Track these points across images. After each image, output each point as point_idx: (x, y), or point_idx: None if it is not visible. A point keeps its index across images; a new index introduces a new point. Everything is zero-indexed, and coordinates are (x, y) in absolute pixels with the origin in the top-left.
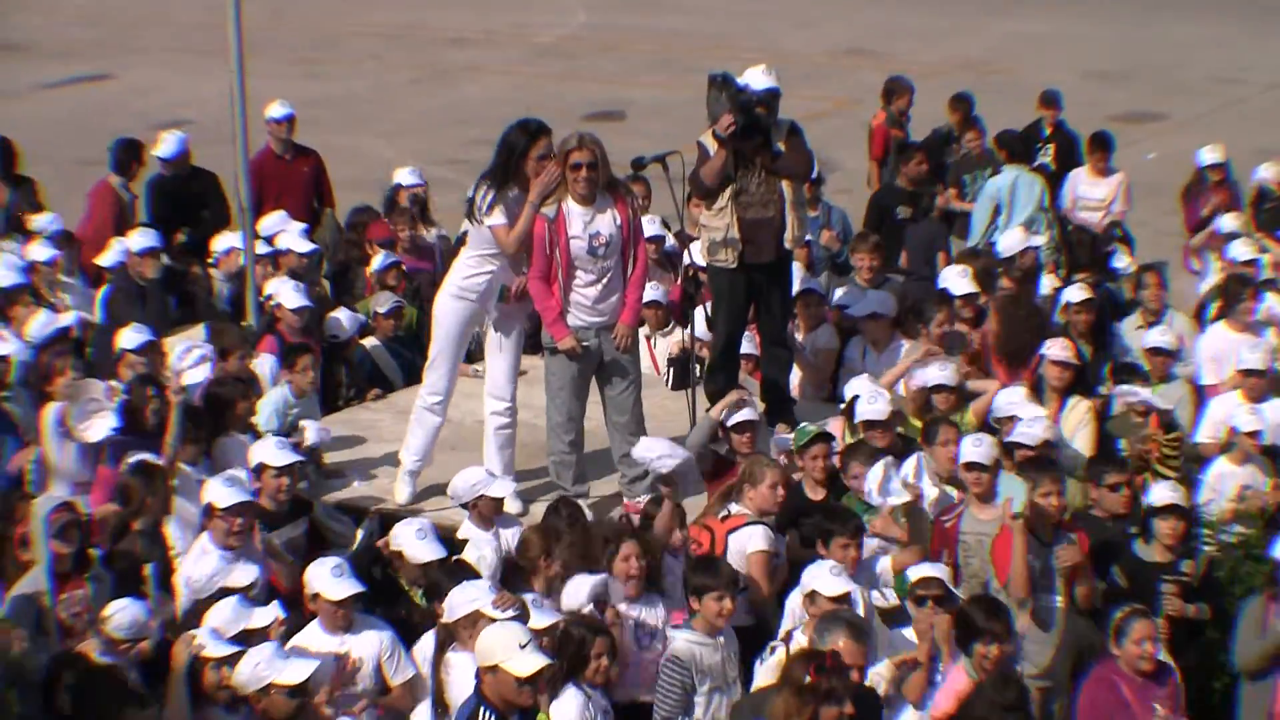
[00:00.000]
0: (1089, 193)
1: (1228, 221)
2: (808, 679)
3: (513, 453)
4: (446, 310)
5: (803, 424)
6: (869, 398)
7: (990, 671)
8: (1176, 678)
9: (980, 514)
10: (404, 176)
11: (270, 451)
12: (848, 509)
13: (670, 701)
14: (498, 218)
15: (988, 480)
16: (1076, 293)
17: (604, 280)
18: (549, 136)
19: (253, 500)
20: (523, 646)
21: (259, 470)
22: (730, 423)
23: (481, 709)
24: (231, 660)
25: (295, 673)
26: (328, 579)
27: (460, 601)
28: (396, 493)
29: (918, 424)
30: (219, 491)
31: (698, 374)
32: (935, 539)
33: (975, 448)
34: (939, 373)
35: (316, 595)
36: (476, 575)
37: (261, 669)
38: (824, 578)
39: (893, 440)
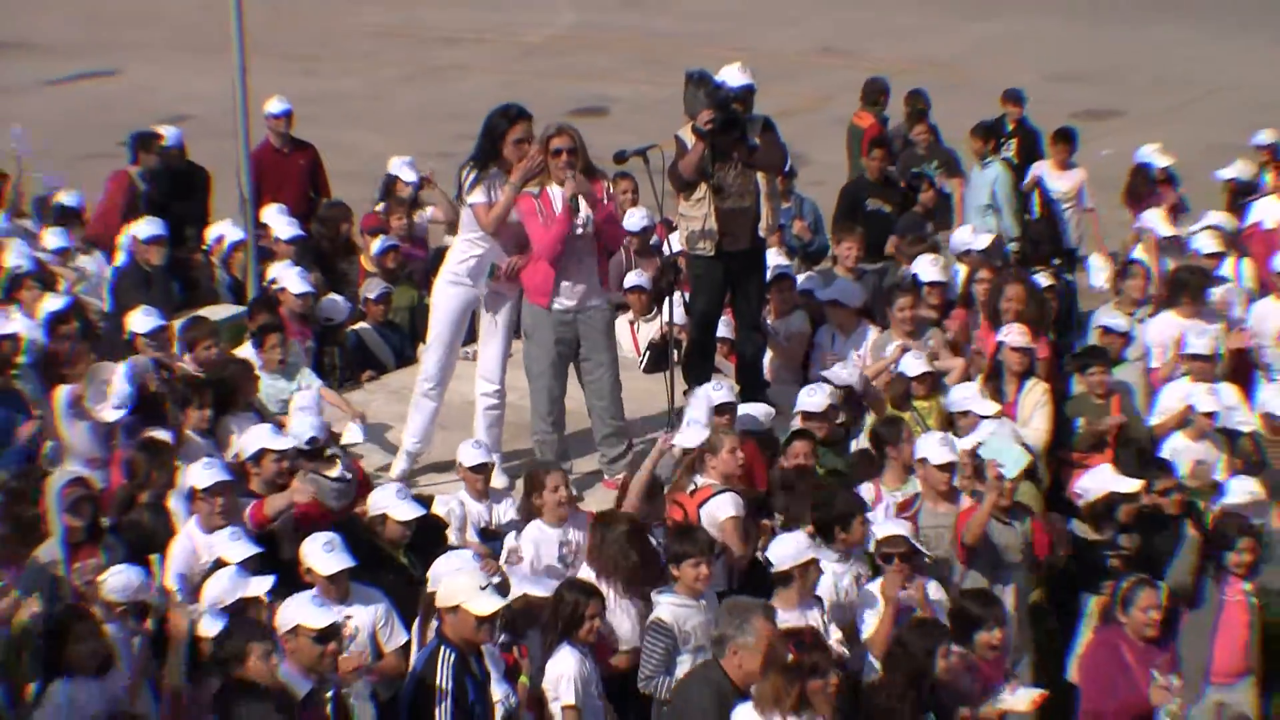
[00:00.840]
0: (1053, 185)
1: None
2: (790, 658)
3: (500, 432)
4: (442, 296)
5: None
6: (809, 390)
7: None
8: (1177, 644)
9: (937, 508)
10: (398, 167)
11: (268, 437)
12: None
13: (653, 663)
14: (478, 196)
15: (945, 479)
16: (1040, 281)
17: (580, 261)
18: (527, 121)
19: (232, 480)
20: (482, 589)
21: (259, 456)
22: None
23: (442, 648)
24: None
25: (323, 618)
26: (319, 554)
27: (445, 570)
28: (393, 468)
29: (896, 412)
30: (198, 474)
31: (675, 357)
32: None
33: (942, 448)
34: (914, 363)
35: (309, 570)
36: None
37: (291, 612)
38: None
39: (831, 430)
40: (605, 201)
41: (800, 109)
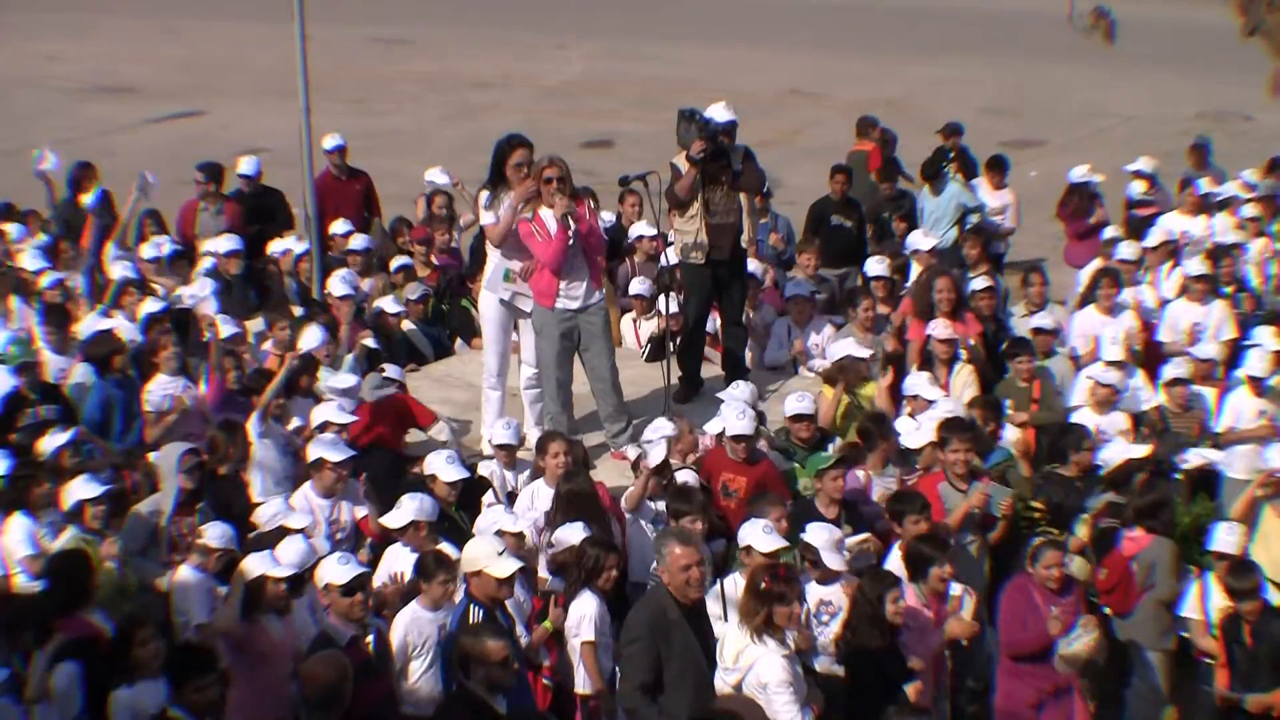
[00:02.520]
0: (989, 202)
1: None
2: (763, 585)
3: (542, 408)
4: (485, 304)
5: (820, 453)
6: (798, 395)
7: (941, 591)
8: (1077, 588)
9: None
10: (433, 174)
11: (333, 412)
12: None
13: None
14: (488, 217)
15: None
16: (980, 281)
17: (575, 268)
18: (526, 147)
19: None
20: (500, 554)
21: (322, 428)
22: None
23: (471, 605)
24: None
25: (347, 574)
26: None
27: (485, 524)
28: (483, 448)
29: (828, 389)
30: (328, 450)
31: (671, 349)
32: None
33: (912, 433)
34: (856, 346)
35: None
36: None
37: (321, 571)
38: (757, 535)
39: (813, 434)
40: (587, 216)
41: (775, 141)
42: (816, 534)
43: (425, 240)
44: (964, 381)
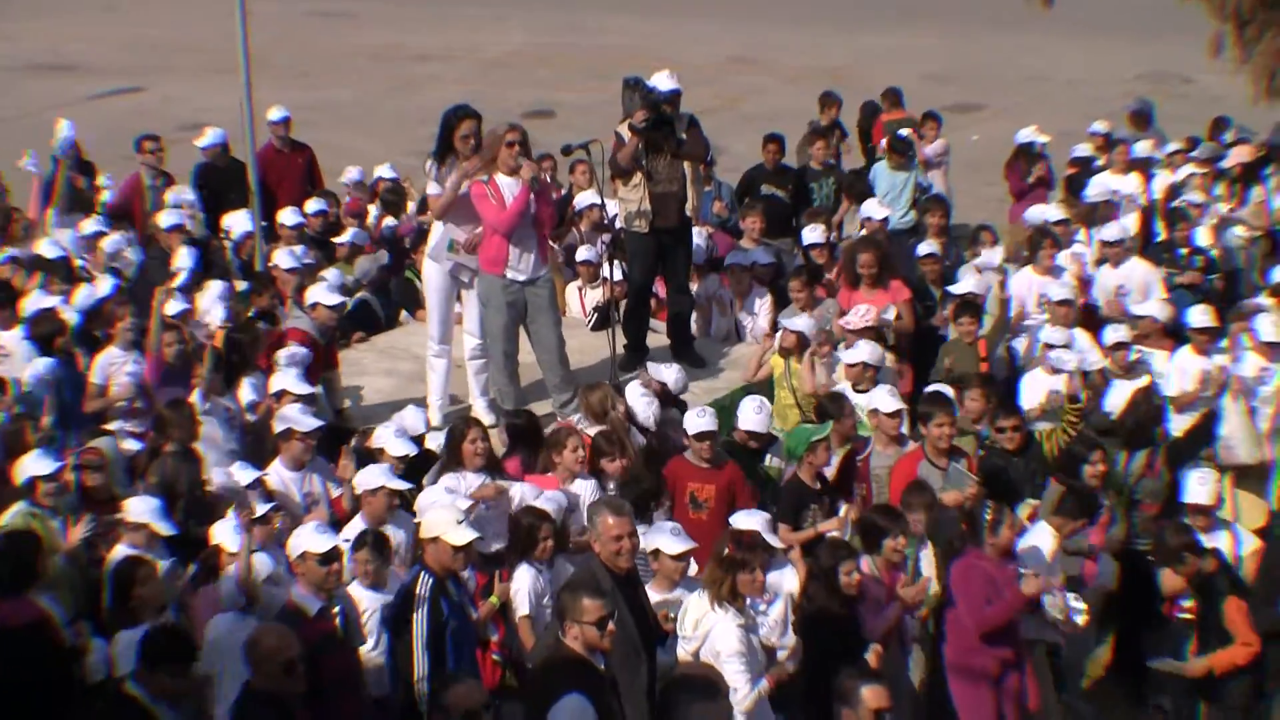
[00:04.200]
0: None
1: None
2: (726, 552)
3: (486, 378)
4: (428, 272)
5: (808, 425)
6: (755, 407)
7: (896, 563)
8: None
9: (885, 450)
10: (383, 171)
11: (291, 381)
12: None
13: None
14: (433, 188)
15: (895, 425)
16: (924, 247)
17: (527, 238)
18: (473, 118)
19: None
20: (459, 523)
21: (279, 395)
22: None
23: (422, 573)
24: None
25: (326, 543)
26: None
27: (425, 505)
28: (433, 418)
29: (778, 361)
30: (298, 418)
31: (616, 317)
32: (859, 476)
33: (891, 398)
34: (807, 323)
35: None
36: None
37: (298, 539)
38: (664, 539)
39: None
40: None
41: (717, 108)
42: (748, 519)
43: (357, 213)
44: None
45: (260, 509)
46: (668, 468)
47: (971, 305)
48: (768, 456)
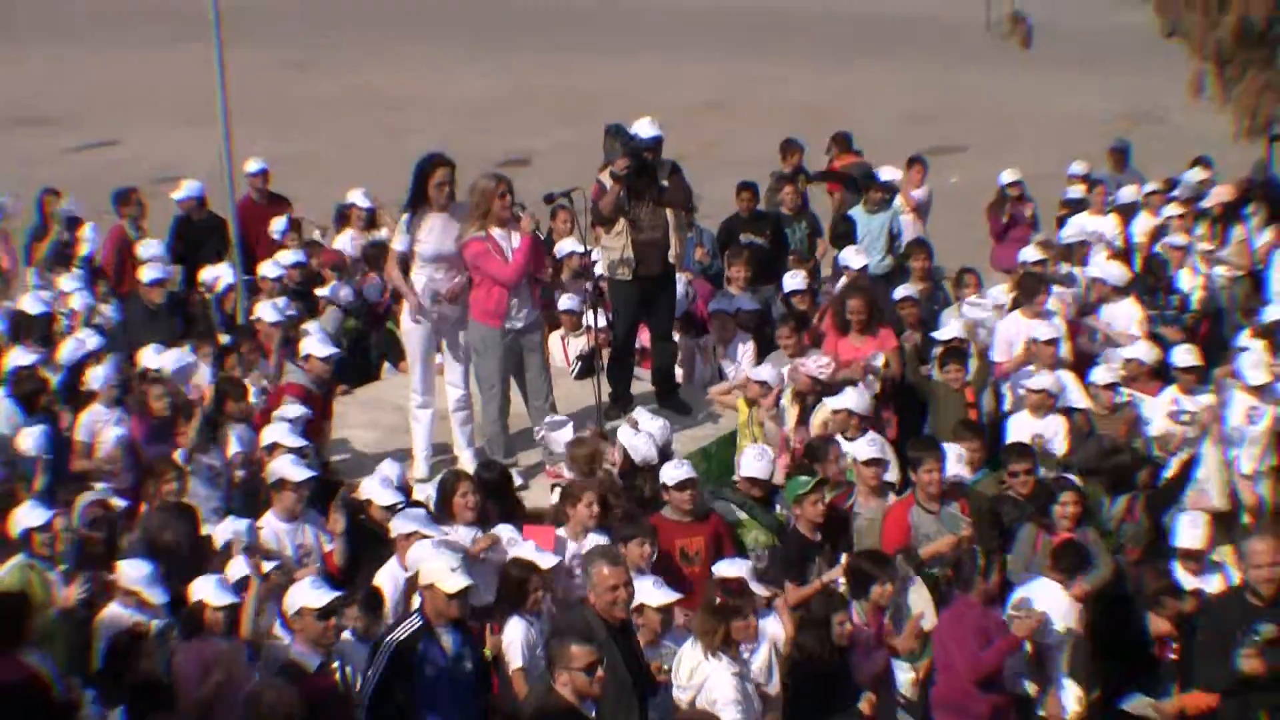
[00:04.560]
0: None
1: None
2: (718, 600)
3: (472, 428)
4: (408, 325)
5: (800, 477)
6: (757, 454)
7: (884, 607)
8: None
9: (867, 502)
10: (356, 196)
11: (282, 434)
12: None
13: None
14: (402, 241)
15: (874, 475)
16: (901, 291)
17: (521, 287)
18: (446, 165)
19: (318, 476)
20: (453, 570)
21: (271, 449)
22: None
23: (415, 616)
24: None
25: (322, 598)
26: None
27: (422, 554)
28: (417, 470)
29: (743, 408)
30: (291, 469)
31: (600, 365)
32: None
33: (870, 447)
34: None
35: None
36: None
37: (295, 596)
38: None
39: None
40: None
41: (691, 154)
42: (732, 567)
43: (337, 266)
44: (826, 420)
45: (265, 565)
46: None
47: (957, 352)
48: (776, 505)
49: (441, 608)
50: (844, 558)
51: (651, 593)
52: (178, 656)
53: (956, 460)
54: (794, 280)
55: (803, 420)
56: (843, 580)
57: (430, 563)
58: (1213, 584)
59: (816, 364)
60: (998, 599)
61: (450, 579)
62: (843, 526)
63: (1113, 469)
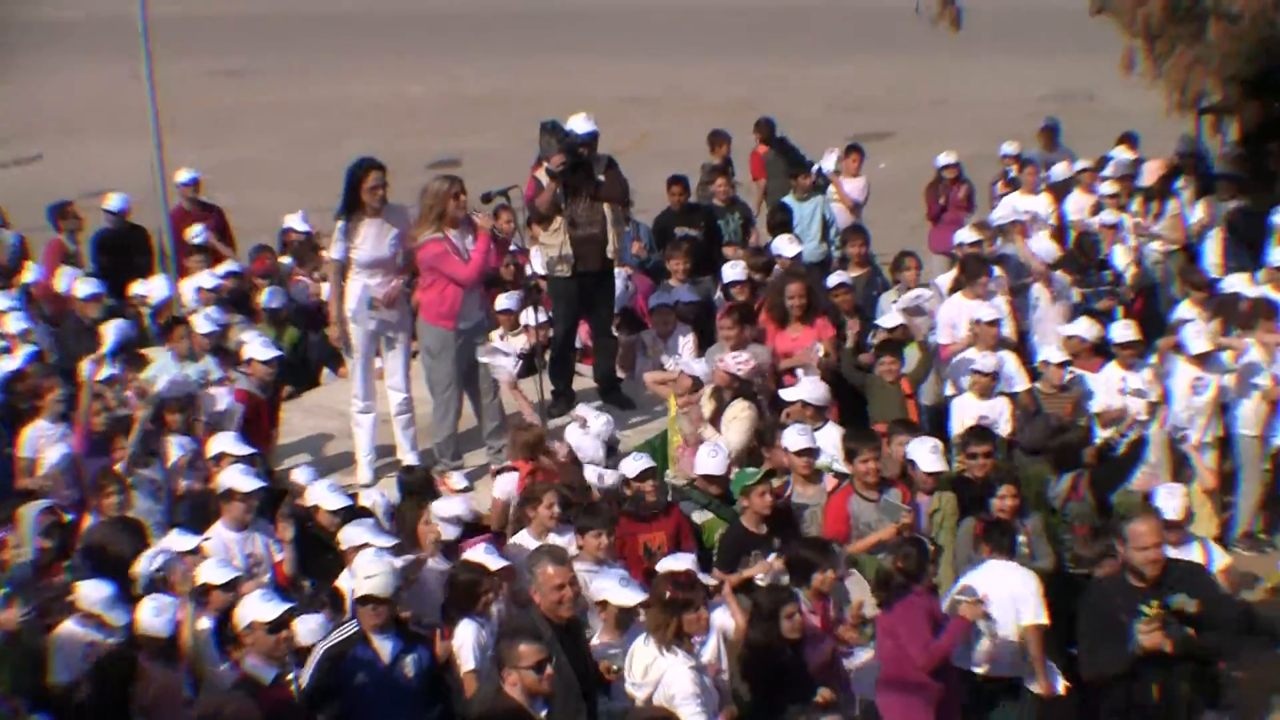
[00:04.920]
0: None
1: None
2: (668, 595)
3: (414, 432)
4: (334, 336)
5: (747, 469)
6: (710, 451)
7: (827, 594)
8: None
9: (805, 490)
10: (292, 220)
11: (229, 443)
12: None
13: None
14: (338, 249)
15: (805, 464)
16: (835, 278)
17: (474, 288)
18: (378, 169)
19: (267, 486)
20: (379, 576)
21: (219, 458)
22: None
23: (351, 624)
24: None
25: (273, 611)
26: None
27: (352, 535)
28: (360, 476)
29: (673, 403)
30: (239, 479)
31: (541, 363)
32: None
33: (800, 436)
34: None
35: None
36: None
37: (245, 610)
38: (614, 590)
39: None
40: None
41: (623, 149)
42: (678, 561)
43: (266, 274)
44: (734, 415)
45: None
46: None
47: (893, 344)
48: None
49: (370, 614)
50: (771, 557)
51: (618, 591)
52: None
53: (931, 452)
54: (733, 271)
55: (716, 417)
56: (763, 576)
57: (362, 570)
58: (1192, 555)
59: (735, 360)
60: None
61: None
62: (790, 519)
63: (1059, 447)
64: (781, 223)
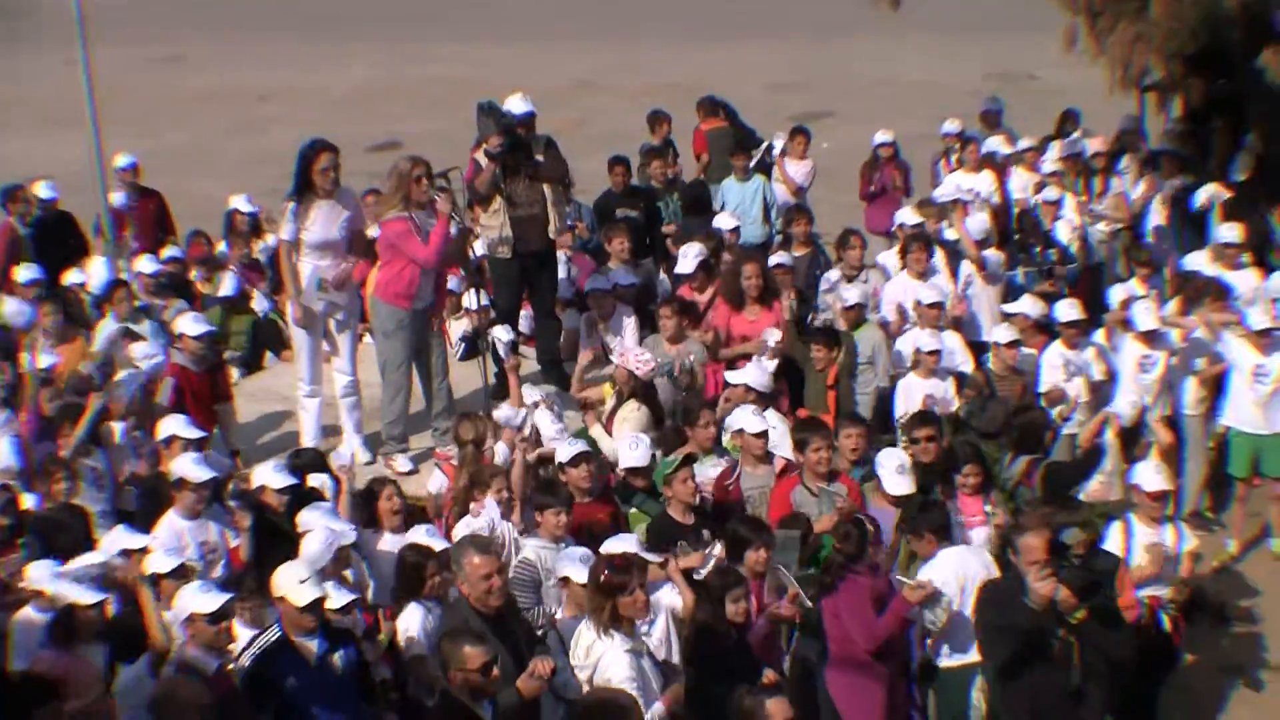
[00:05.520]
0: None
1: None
2: (603, 578)
3: (360, 415)
4: (294, 318)
5: (666, 458)
6: (631, 444)
7: (762, 573)
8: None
9: (755, 471)
10: (236, 202)
11: (179, 425)
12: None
13: (525, 594)
14: (288, 230)
15: (760, 444)
16: (775, 258)
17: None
18: (330, 151)
19: (219, 476)
20: (302, 582)
21: (169, 441)
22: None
23: (273, 629)
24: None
25: (213, 602)
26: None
27: (308, 519)
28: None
29: (608, 392)
30: (191, 469)
31: (484, 346)
32: (722, 497)
33: (755, 418)
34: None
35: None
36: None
37: (183, 602)
38: (573, 567)
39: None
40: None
41: (563, 131)
42: (619, 543)
43: (204, 260)
44: (624, 416)
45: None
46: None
47: (825, 332)
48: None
49: (295, 619)
50: (716, 547)
51: (579, 569)
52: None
53: (897, 472)
54: (686, 263)
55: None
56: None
57: (281, 575)
58: (1166, 536)
59: (636, 358)
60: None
61: (299, 592)
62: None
63: (1021, 427)
64: (696, 199)
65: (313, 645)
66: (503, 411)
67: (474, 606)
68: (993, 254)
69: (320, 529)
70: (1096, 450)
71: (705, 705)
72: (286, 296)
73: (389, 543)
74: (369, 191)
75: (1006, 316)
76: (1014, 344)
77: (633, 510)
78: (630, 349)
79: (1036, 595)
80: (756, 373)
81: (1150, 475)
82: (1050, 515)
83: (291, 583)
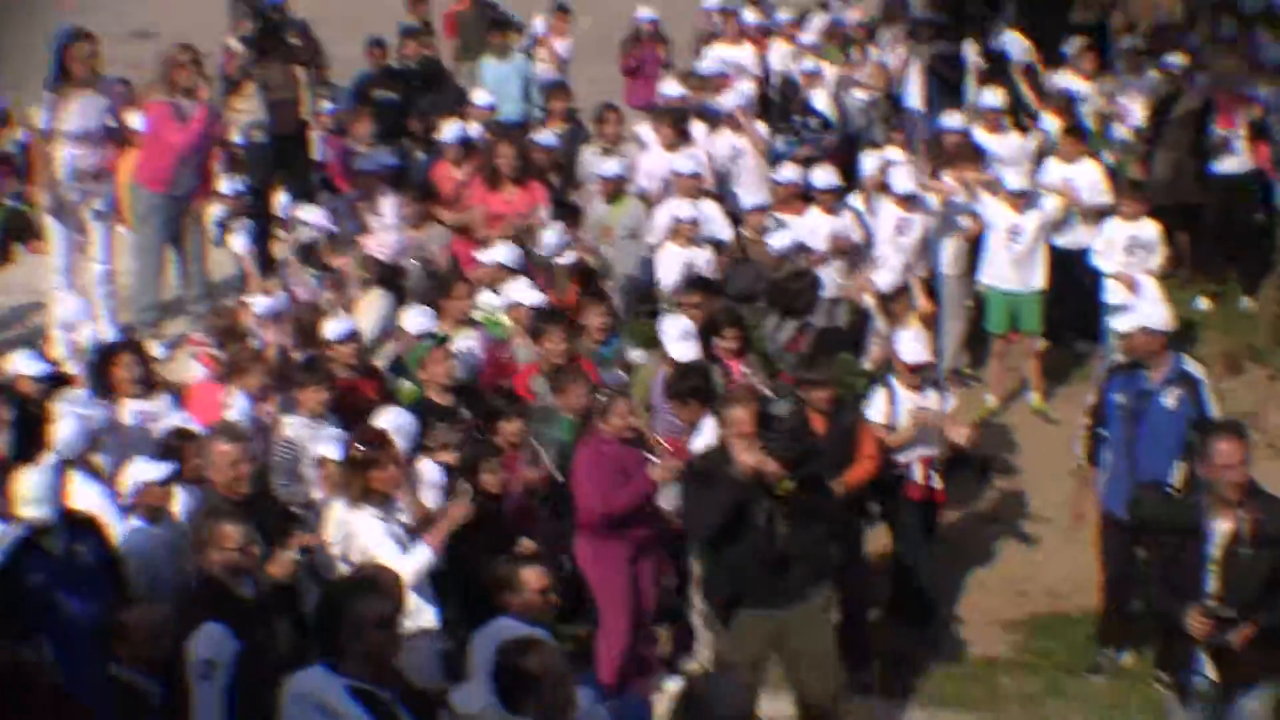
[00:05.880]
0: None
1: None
2: (353, 453)
3: (116, 304)
4: (49, 208)
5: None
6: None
7: (516, 444)
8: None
9: (527, 344)
10: None
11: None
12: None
13: (283, 476)
14: (42, 122)
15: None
16: (540, 137)
17: (195, 155)
18: (88, 40)
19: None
20: (28, 504)
21: None
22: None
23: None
24: None
25: None
26: None
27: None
28: (59, 351)
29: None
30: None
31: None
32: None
33: (529, 290)
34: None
35: None
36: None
37: None
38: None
39: None
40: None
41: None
42: (379, 419)
43: None
44: (369, 302)
45: None
46: None
47: (568, 207)
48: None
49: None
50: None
51: (334, 448)
52: None
53: (680, 338)
54: (450, 132)
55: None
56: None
57: (17, 489)
58: (930, 400)
59: (376, 244)
60: (635, 440)
61: (29, 510)
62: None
63: (773, 289)
64: (428, 78)
65: (53, 541)
66: (264, 303)
67: (222, 493)
68: (758, 124)
69: (69, 416)
70: (861, 314)
71: (462, 574)
72: (38, 186)
73: (130, 413)
74: (120, 81)
75: (776, 184)
76: (763, 208)
77: (406, 386)
78: (372, 236)
79: (741, 466)
80: (507, 251)
81: (909, 345)
82: (754, 390)
83: (26, 498)
